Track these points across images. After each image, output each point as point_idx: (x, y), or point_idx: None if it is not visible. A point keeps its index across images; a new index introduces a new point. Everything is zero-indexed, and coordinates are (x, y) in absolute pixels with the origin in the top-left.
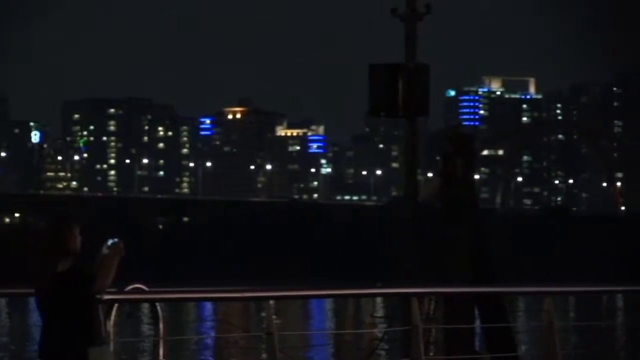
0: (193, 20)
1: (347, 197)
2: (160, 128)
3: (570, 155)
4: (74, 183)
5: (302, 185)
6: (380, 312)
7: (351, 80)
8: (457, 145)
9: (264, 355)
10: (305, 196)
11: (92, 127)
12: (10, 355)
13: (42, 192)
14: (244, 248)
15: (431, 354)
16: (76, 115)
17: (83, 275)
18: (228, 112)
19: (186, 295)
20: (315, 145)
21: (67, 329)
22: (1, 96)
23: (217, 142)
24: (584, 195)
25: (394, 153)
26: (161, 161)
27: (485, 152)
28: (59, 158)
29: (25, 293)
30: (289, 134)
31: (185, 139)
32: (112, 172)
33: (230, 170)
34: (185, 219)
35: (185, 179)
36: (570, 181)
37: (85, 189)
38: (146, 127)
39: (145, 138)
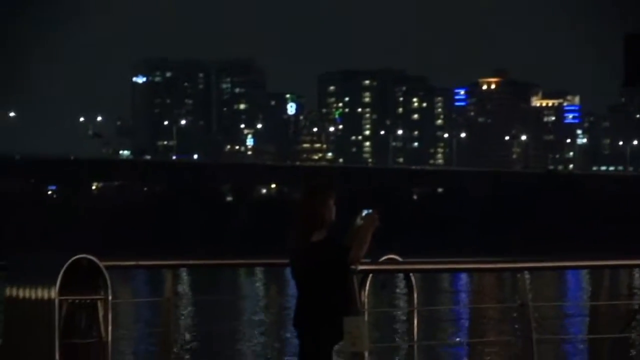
0: None
1: (602, 168)
2: (414, 99)
3: None
4: (329, 154)
5: (557, 156)
6: (638, 284)
7: (607, 49)
8: None
9: (518, 327)
10: (560, 167)
11: (347, 99)
12: (267, 324)
13: (297, 163)
14: (498, 219)
15: None
16: (331, 87)
17: (338, 246)
18: (483, 83)
19: (440, 266)
20: (570, 116)
21: (322, 299)
22: (259, 68)
23: (472, 113)
24: None
25: None
26: (415, 132)
27: None
28: (315, 130)
29: (281, 263)
30: (544, 104)
31: (439, 110)
32: (367, 144)
33: (484, 141)
34: (440, 189)
35: (440, 150)
36: None
37: (341, 160)
38: (401, 99)
39: (400, 109)
